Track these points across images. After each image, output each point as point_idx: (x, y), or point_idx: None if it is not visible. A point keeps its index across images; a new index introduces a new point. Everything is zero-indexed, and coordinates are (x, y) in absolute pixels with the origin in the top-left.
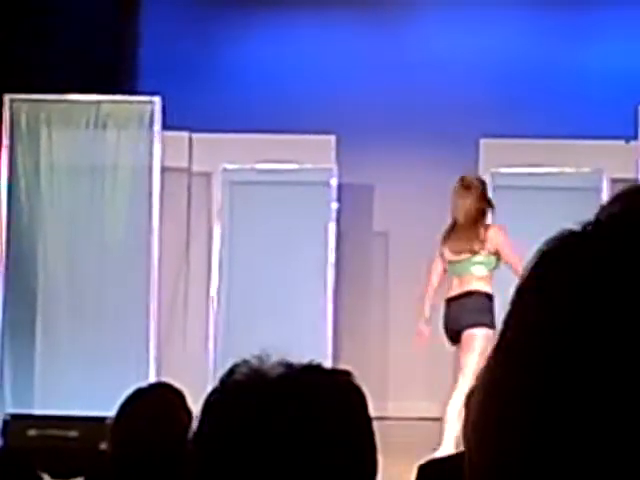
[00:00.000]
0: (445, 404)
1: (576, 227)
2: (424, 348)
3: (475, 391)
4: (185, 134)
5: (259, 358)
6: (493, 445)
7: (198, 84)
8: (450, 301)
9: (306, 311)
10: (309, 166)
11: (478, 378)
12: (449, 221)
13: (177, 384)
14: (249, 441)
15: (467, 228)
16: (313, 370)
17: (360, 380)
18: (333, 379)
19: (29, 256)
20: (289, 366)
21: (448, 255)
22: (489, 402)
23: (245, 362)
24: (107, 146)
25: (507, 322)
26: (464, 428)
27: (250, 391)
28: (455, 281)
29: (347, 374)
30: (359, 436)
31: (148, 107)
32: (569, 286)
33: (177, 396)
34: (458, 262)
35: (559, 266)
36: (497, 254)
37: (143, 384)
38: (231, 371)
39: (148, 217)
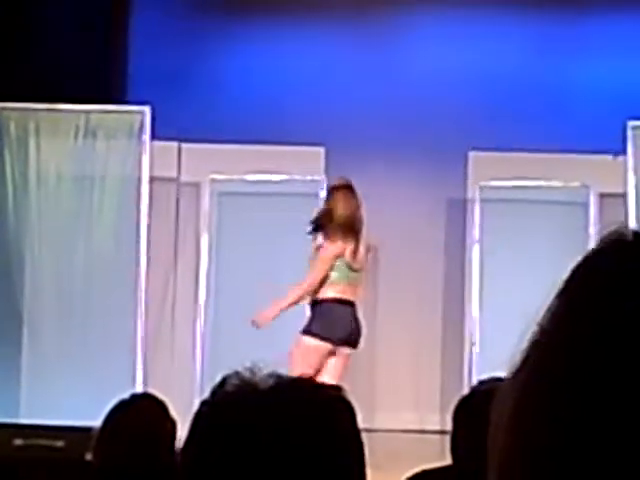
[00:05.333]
0: (433, 416)
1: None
2: (411, 359)
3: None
4: (174, 144)
5: (250, 370)
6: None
7: (188, 94)
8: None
9: (294, 322)
10: (298, 177)
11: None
12: (438, 234)
13: (165, 394)
14: (239, 452)
15: (358, 234)
16: (303, 383)
17: (347, 392)
18: (323, 392)
19: (16, 265)
20: (280, 378)
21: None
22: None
23: (236, 373)
24: (96, 156)
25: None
26: (493, 434)
27: (241, 402)
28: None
29: (337, 388)
30: (348, 450)
31: (137, 117)
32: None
33: (159, 406)
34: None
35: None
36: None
37: (126, 396)
38: (222, 382)
39: (136, 227)
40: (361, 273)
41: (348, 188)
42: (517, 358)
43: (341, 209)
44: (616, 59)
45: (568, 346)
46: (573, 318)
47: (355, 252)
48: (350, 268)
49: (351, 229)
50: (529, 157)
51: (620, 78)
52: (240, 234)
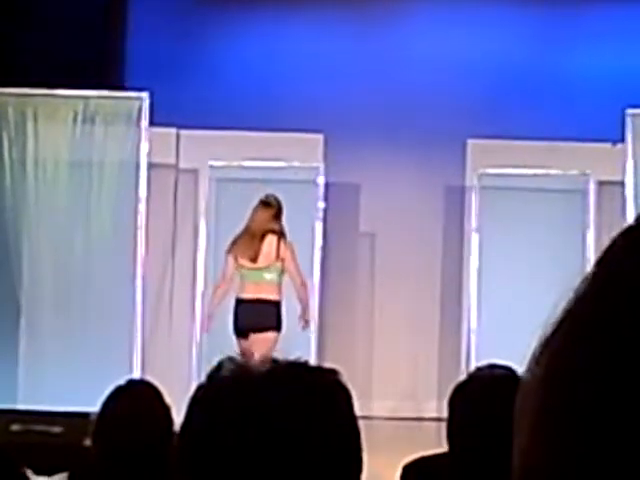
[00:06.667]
0: (430, 403)
1: None
2: (409, 347)
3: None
4: (172, 130)
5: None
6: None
7: (186, 81)
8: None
9: (291, 309)
10: (296, 164)
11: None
12: (436, 221)
13: (162, 380)
14: (235, 436)
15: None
16: (299, 367)
17: (345, 379)
18: (319, 377)
19: (14, 251)
20: (275, 363)
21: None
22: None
23: (232, 358)
24: (94, 141)
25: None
26: (519, 420)
27: (236, 387)
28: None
29: (333, 372)
30: (344, 434)
31: (136, 103)
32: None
33: (154, 392)
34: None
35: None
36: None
37: (122, 382)
38: (218, 367)
39: (134, 213)
40: (263, 271)
41: (262, 204)
42: (547, 331)
43: (249, 221)
44: (615, 48)
45: (606, 317)
46: (612, 288)
47: (255, 255)
48: (250, 269)
49: (252, 237)
50: (528, 145)
51: (619, 66)
52: (238, 220)
